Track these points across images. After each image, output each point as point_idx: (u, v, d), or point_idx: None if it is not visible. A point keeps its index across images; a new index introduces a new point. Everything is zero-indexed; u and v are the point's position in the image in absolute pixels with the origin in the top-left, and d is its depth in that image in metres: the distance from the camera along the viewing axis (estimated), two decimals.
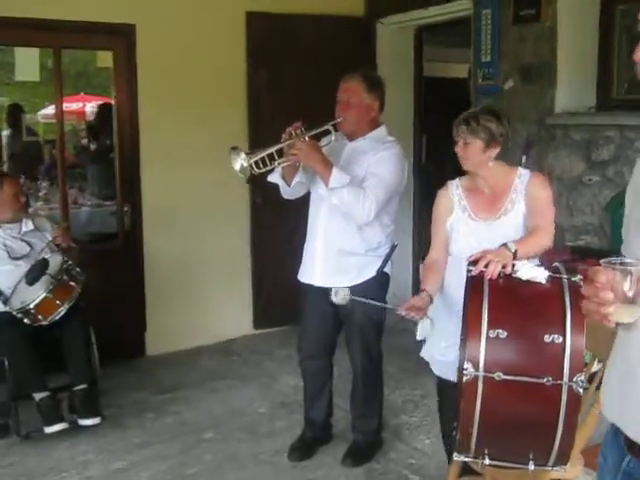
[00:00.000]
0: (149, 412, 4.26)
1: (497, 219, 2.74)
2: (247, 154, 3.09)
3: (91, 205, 6.51)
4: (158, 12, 4.98)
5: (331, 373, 3.69)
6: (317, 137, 3.32)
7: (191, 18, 5.12)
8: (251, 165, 3.09)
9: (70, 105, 9.52)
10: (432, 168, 6.19)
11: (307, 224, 3.55)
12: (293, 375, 4.63)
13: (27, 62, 5.55)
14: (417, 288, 5.86)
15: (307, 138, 3.19)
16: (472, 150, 2.70)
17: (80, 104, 10.24)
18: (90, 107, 9.82)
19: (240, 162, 3.08)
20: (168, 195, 5.12)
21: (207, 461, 3.67)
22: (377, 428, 3.71)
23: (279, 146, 3.19)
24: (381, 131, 3.47)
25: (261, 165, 3.14)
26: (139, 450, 3.79)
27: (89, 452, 3.78)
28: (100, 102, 9.57)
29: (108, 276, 4.70)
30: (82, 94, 10.49)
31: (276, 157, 3.18)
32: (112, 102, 8.57)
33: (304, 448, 3.71)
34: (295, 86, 5.36)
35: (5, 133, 7.81)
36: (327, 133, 3.37)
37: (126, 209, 5.05)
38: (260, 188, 5.30)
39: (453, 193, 2.83)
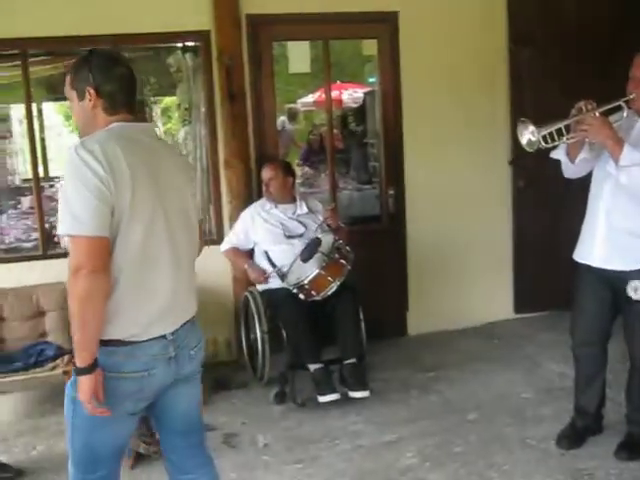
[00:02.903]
0: (413, 389, 4.38)
1: None
2: (537, 127, 3.05)
3: (352, 189, 6.81)
4: None
5: (605, 361, 3.53)
6: (606, 113, 3.18)
7: (451, 0, 5.13)
8: (539, 139, 3.05)
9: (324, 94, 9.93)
10: None
11: (587, 203, 3.40)
12: (558, 361, 4.53)
13: (299, 55, 5.90)
14: None
15: (597, 114, 3.07)
16: None
17: (337, 92, 10.65)
18: (347, 95, 10.18)
19: (528, 136, 3.06)
20: (430, 178, 5.19)
21: (473, 441, 3.70)
22: None
23: (568, 121, 3.12)
24: None
25: (549, 140, 3.09)
26: (406, 424, 3.91)
27: (359, 423, 3.97)
28: (359, 89, 9.94)
29: (373, 257, 4.87)
30: (338, 82, 10.91)
31: (564, 132, 3.11)
32: (367, 90, 8.96)
33: (574, 436, 3.59)
34: (559, 64, 5.17)
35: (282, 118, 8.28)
36: (617, 110, 3.22)
37: (390, 192, 5.20)
38: (523, 171, 5.24)
39: None
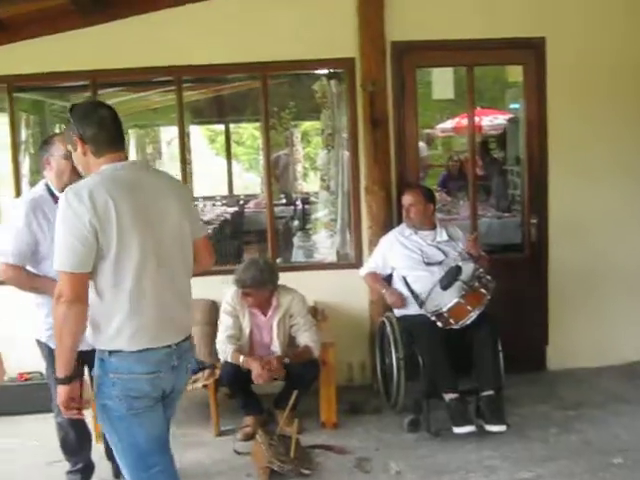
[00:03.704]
0: (552, 427, 4.21)
1: None
2: None
3: (491, 216, 6.68)
4: (567, 23, 4.95)
5: None
6: None
7: (600, 26, 4.96)
8: None
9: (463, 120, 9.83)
10: None
11: None
12: None
13: (443, 81, 5.91)
14: None
15: None
16: None
17: (477, 118, 10.50)
18: (488, 121, 10.04)
19: None
20: (576, 208, 5.03)
21: None
22: None
23: None
24: None
25: None
26: (544, 463, 3.76)
27: (494, 457, 3.86)
28: (499, 115, 9.78)
29: (512, 287, 4.74)
30: (479, 108, 10.76)
31: None
32: (508, 116, 8.80)
33: None
34: None
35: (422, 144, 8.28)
36: None
37: (533, 221, 5.08)
38: None
39: None
